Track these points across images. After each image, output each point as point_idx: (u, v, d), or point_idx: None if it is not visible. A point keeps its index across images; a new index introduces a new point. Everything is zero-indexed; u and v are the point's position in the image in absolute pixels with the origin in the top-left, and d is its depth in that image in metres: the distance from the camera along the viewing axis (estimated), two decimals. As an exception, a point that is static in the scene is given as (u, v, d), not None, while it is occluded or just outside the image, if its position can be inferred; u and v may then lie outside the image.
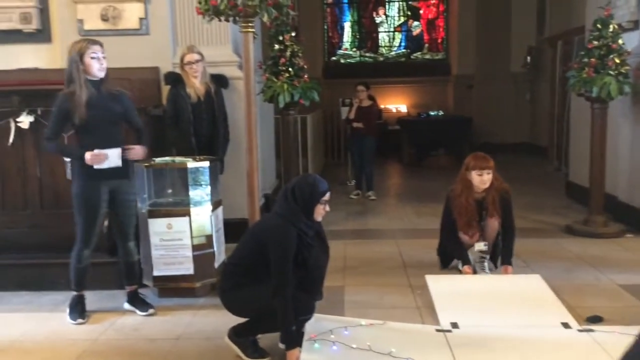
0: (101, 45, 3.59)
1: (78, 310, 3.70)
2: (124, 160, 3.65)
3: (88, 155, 3.51)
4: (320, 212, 3.07)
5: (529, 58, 11.38)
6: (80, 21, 5.19)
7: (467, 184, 4.18)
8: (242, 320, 3.11)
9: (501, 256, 4.23)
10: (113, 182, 3.64)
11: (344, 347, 3.06)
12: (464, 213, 4.19)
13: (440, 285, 3.86)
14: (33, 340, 3.45)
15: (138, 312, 3.78)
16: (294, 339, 2.96)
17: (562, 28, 9.43)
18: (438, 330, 3.30)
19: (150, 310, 3.77)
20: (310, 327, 3.19)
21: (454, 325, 3.33)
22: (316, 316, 3.26)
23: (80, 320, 3.65)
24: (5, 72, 4.99)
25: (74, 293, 3.75)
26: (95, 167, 3.53)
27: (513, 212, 4.26)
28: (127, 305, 3.85)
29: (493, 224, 4.21)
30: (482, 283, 3.99)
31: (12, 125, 4.18)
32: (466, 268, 4.15)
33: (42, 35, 5.36)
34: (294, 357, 2.91)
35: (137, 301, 3.83)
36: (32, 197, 4.31)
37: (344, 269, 4.54)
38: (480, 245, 4.21)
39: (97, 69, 3.53)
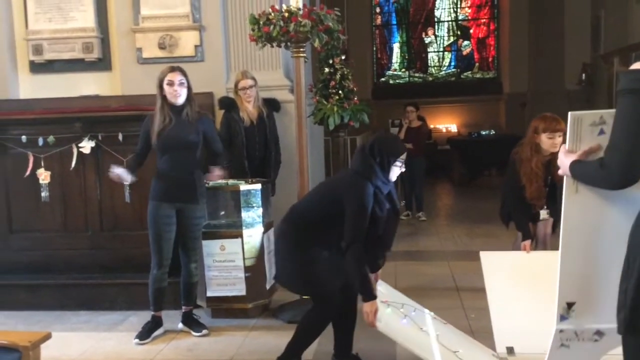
0: (181, 71, 3.70)
1: (145, 329, 3.79)
2: (192, 183, 3.73)
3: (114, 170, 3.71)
4: (396, 171, 3.04)
5: (584, 75, 11.12)
6: (139, 50, 5.39)
7: (536, 147, 3.82)
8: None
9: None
10: (180, 204, 3.73)
11: (414, 324, 2.99)
12: (534, 179, 3.82)
13: (493, 267, 3.56)
14: (92, 359, 3.55)
15: (193, 332, 3.84)
16: (372, 291, 2.91)
17: (618, 44, 9.19)
18: (494, 355, 3.22)
19: (204, 331, 3.83)
20: (384, 292, 3.12)
21: (510, 351, 3.25)
22: (387, 286, 3.21)
23: (137, 341, 3.73)
24: (69, 100, 5.23)
25: (151, 313, 3.84)
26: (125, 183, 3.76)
27: None
28: (181, 326, 3.92)
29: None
30: (537, 262, 3.63)
31: (75, 150, 4.36)
32: (526, 243, 3.84)
33: (103, 63, 5.58)
34: (374, 307, 2.86)
35: (192, 322, 3.90)
36: (92, 220, 4.46)
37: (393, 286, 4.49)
38: (544, 214, 3.94)
39: (170, 95, 3.65)
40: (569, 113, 1.96)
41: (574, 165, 1.89)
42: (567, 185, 2.00)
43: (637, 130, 1.68)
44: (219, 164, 3.91)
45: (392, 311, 3.01)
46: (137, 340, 3.73)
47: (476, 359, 2.99)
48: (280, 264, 3.17)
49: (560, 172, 2.01)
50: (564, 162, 1.94)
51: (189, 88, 3.73)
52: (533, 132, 3.83)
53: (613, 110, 1.81)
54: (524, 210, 3.93)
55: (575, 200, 1.99)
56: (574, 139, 1.96)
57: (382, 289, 3.12)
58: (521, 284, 3.39)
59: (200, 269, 4.05)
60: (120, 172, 3.69)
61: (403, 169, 3.09)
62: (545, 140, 3.76)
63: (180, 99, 3.67)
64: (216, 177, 3.90)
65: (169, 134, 3.63)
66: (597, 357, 2.19)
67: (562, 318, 2.09)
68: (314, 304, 3.11)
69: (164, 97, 3.66)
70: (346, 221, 2.90)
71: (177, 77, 3.65)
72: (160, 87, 3.66)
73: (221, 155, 3.95)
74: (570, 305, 2.08)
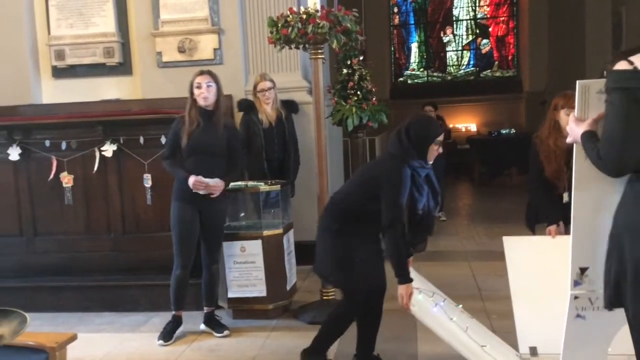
0: (210, 74, 3.73)
1: (167, 330, 3.82)
2: None
3: (191, 180, 3.63)
4: (434, 153, 3.01)
5: (605, 72, 10.95)
6: (159, 53, 5.45)
7: (555, 125, 3.67)
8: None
9: None
10: (203, 205, 3.74)
11: (444, 314, 2.97)
12: (552, 158, 3.64)
13: (516, 253, 3.44)
14: None
15: (214, 333, 3.87)
16: (408, 273, 2.91)
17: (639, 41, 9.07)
18: (517, 356, 3.20)
19: (226, 332, 3.86)
20: (416, 279, 3.08)
21: (533, 351, 3.22)
22: (417, 274, 3.18)
23: (161, 342, 3.76)
24: (90, 104, 5.32)
25: (172, 313, 3.87)
26: (194, 190, 3.66)
27: None
28: (203, 327, 3.95)
29: None
30: (562, 247, 3.54)
31: (97, 153, 4.41)
32: (552, 228, 3.61)
33: (124, 68, 5.66)
34: (409, 290, 2.87)
35: (214, 323, 3.93)
36: (114, 222, 4.51)
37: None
38: (566, 197, 3.70)
39: (198, 97, 3.68)
40: (577, 82, 2.04)
41: (583, 139, 1.98)
42: (577, 152, 2.06)
43: (625, 125, 1.82)
44: (229, 174, 3.81)
45: (423, 298, 2.98)
46: (161, 342, 3.76)
47: (502, 356, 2.96)
48: (320, 255, 3.13)
49: (568, 139, 2.09)
50: (575, 130, 2.02)
51: (219, 92, 3.75)
52: (553, 109, 3.70)
53: (632, 57, 1.92)
54: (547, 194, 3.72)
55: (586, 166, 2.03)
56: (582, 107, 2.04)
57: (413, 275, 3.07)
58: (545, 271, 3.28)
59: (221, 270, 4.08)
60: (208, 182, 3.65)
61: (440, 151, 3.04)
62: (564, 117, 3.58)
63: (208, 102, 3.69)
64: (211, 187, 3.70)
65: (197, 137, 3.65)
66: (612, 331, 2.20)
67: (576, 283, 2.14)
68: (345, 299, 3.11)
69: (193, 100, 3.69)
70: (383, 203, 2.87)
71: (204, 80, 3.68)
72: (191, 90, 3.70)
73: (233, 165, 3.86)
74: (583, 270, 2.12)
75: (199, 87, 3.68)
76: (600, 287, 2.09)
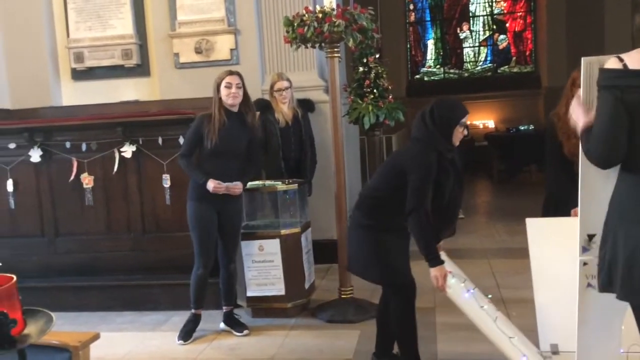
0: (238, 75, 3.73)
1: (187, 329, 3.84)
2: None
3: (211, 185, 3.64)
4: (459, 135, 2.92)
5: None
6: (176, 55, 5.49)
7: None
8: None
9: None
10: (221, 204, 3.76)
11: (475, 301, 2.94)
12: (572, 135, 3.36)
13: (539, 234, 3.34)
14: (136, 359, 3.63)
15: (234, 332, 3.89)
16: (438, 256, 2.86)
17: (661, 33, 8.92)
18: (538, 353, 3.17)
19: (245, 331, 3.88)
20: (448, 264, 3.05)
21: (554, 348, 3.19)
22: (448, 259, 3.17)
23: (180, 342, 3.79)
24: (109, 105, 5.37)
25: (191, 311, 3.89)
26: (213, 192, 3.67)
27: None
28: (223, 325, 3.97)
29: None
30: None
31: (116, 154, 4.45)
32: (576, 210, 3.48)
33: (142, 69, 5.71)
34: (442, 271, 2.83)
35: (233, 321, 3.95)
36: (134, 222, 4.55)
37: (434, 290, 4.43)
38: None
39: (227, 97, 3.68)
40: (582, 58, 2.10)
41: (582, 135, 2.08)
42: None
43: (610, 123, 1.92)
44: (247, 174, 3.84)
45: (455, 282, 2.94)
46: (180, 342, 3.78)
47: (528, 350, 2.94)
48: (353, 252, 3.09)
49: (571, 123, 2.18)
50: (579, 119, 2.09)
51: (246, 94, 3.76)
52: (570, 84, 3.53)
53: (623, 55, 1.99)
54: (569, 175, 3.39)
55: None
56: (587, 84, 2.10)
57: (445, 260, 3.02)
58: (568, 254, 3.22)
59: (239, 269, 4.10)
60: (228, 185, 3.68)
61: (466, 133, 2.97)
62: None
63: (237, 101, 3.71)
64: (231, 189, 3.72)
65: (223, 138, 3.65)
66: (623, 302, 2.19)
67: (584, 250, 2.20)
68: (393, 295, 3.04)
69: (220, 100, 3.70)
70: (409, 189, 2.81)
71: (235, 81, 3.69)
72: (217, 90, 3.70)
73: (253, 167, 3.89)
74: (590, 237, 2.18)
75: (229, 87, 3.67)
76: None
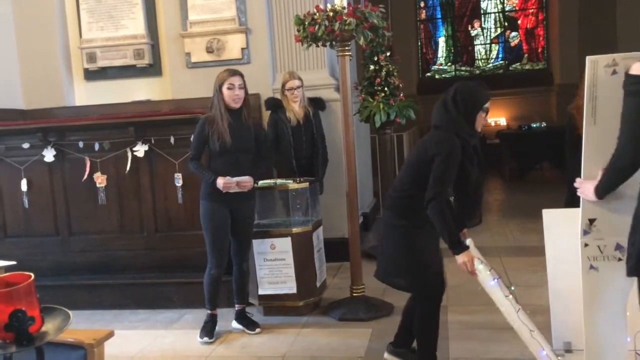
0: (241, 75, 3.73)
1: (207, 328, 3.84)
2: None
3: (221, 181, 3.65)
4: (482, 121, 2.84)
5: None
6: (188, 54, 5.51)
7: None
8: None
9: None
10: (234, 203, 3.76)
11: (499, 289, 2.89)
12: None
13: (554, 224, 3.29)
14: (149, 356, 3.66)
15: (247, 331, 3.90)
16: (461, 243, 2.77)
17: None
18: (552, 351, 3.15)
19: (258, 330, 3.89)
20: (474, 250, 2.97)
21: (567, 346, 3.17)
22: (474, 246, 3.15)
23: (206, 339, 3.77)
24: (121, 105, 5.41)
25: (207, 312, 3.90)
26: (224, 191, 3.67)
27: None
28: (235, 324, 3.99)
29: None
30: None
31: (129, 154, 4.48)
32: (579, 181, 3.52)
33: (154, 69, 5.74)
34: (469, 257, 2.75)
35: (245, 320, 3.96)
36: (147, 221, 4.58)
37: (447, 288, 4.46)
38: None
39: (230, 98, 3.68)
40: (587, 57, 2.20)
41: (597, 188, 2.19)
42: (587, 116, 2.23)
43: (633, 128, 2.01)
44: (257, 169, 3.84)
45: (483, 268, 2.88)
46: (205, 339, 3.77)
47: (546, 345, 2.92)
48: (389, 254, 2.99)
49: (582, 195, 2.28)
50: (588, 190, 2.22)
51: (246, 92, 3.77)
52: None
53: (625, 54, 2.13)
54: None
55: (594, 131, 2.24)
56: (591, 83, 2.19)
57: (471, 247, 2.94)
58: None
59: (251, 268, 4.12)
60: (236, 180, 3.67)
61: (488, 118, 2.91)
62: None
63: (239, 103, 3.71)
64: (241, 184, 3.70)
65: (230, 136, 3.66)
66: (626, 285, 2.29)
67: (585, 232, 2.35)
68: (421, 301, 3.01)
69: (222, 99, 3.70)
70: (431, 176, 2.71)
71: (237, 82, 3.69)
72: (219, 90, 3.70)
73: (263, 160, 3.91)
74: (591, 221, 2.33)
75: (231, 88, 3.67)
76: (607, 235, 2.31)
